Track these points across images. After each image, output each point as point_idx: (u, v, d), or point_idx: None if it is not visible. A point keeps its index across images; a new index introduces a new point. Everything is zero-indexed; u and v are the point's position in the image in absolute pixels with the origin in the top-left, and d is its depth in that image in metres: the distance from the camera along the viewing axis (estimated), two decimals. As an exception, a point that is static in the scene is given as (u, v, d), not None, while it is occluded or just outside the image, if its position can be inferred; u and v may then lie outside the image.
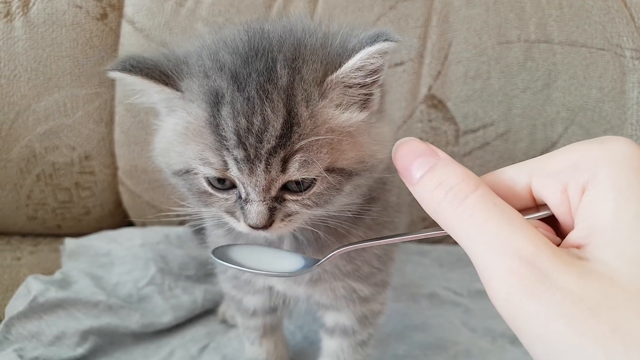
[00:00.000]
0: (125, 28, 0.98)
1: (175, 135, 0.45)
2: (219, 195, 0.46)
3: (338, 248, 0.42)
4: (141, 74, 0.44)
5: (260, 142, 0.41)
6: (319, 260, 0.43)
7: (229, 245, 0.45)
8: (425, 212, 0.34)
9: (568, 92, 0.96)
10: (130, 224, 1.07)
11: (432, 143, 1.04)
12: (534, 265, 0.29)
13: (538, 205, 0.35)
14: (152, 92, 0.46)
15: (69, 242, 0.93)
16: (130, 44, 0.97)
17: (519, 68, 0.96)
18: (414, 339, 0.80)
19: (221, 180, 0.45)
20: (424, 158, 0.35)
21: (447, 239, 1.05)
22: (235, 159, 0.42)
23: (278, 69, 0.42)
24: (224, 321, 0.84)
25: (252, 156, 0.41)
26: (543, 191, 0.34)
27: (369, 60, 0.43)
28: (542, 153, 0.97)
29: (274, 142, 0.41)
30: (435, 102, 0.97)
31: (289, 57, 0.43)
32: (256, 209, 0.43)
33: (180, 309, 0.82)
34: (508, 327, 0.88)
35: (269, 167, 0.42)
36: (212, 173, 0.44)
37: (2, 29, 0.95)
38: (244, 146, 0.41)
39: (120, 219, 1.08)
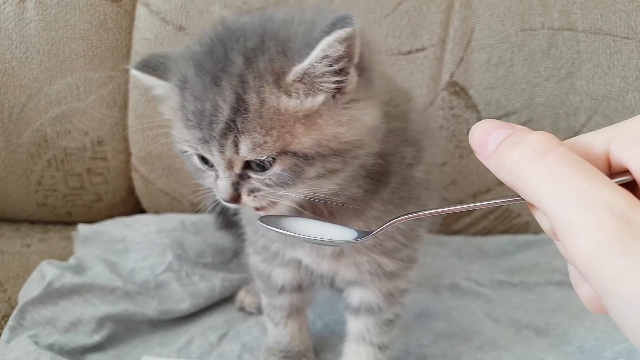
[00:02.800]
0: (141, 10, 0.96)
1: (170, 119, 0.52)
2: (207, 172, 0.51)
3: (395, 218, 0.40)
4: (146, 71, 0.51)
5: (211, 125, 0.45)
6: (371, 232, 0.41)
7: (277, 216, 0.45)
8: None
9: (592, 80, 0.95)
10: (142, 211, 1.05)
11: (453, 131, 1.03)
12: (627, 219, 0.27)
13: (613, 174, 0.33)
14: (158, 87, 0.52)
15: (82, 228, 0.91)
16: (145, 27, 0.95)
17: (543, 56, 0.94)
18: (437, 329, 0.79)
19: (205, 159, 0.49)
20: (500, 130, 0.33)
21: (465, 230, 1.03)
22: (198, 139, 0.46)
23: (232, 58, 0.45)
24: (242, 309, 0.82)
25: (207, 137, 0.46)
26: (624, 155, 0.32)
27: (330, 50, 0.43)
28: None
29: (222, 125, 0.44)
30: (457, 89, 0.95)
31: (248, 47, 0.45)
32: (221, 184, 0.48)
33: (198, 296, 0.80)
34: (532, 318, 0.86)
35: (222, 147, 0.46)
36: (191, 151, 0.49)
37: (15, 10, 0.92)
38: (200, 127, 0.46)
39: (132, 207, 1.05)
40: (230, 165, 0.47)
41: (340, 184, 0.50)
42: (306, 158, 0.46)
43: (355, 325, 0.66)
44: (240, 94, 0.44)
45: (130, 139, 0.99)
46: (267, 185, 0.47)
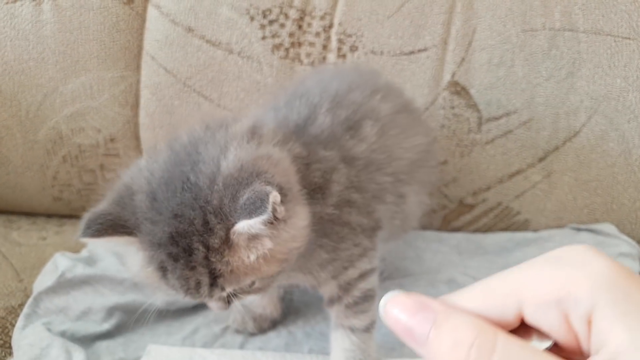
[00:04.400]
0: (151, 12, 0.99)
1: (140, 275, 0.57)
2: None
3: None
4: (108, 233, 0.53)
5: (199, 293, 0.54)
6: None
7: None
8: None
9: (592, 81, 0.96)
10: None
11: (454, 130, 1.06)
12: None
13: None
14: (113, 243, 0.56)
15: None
16: (156, 28, 0.99)
17: (543, 56, 0.96)
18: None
19: None
20: (421, 314, 0.33)
21: (466, 227, 1.05)
22: (189, 299, 0.56)
23: (194, 247, 0.52)
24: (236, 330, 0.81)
25: (197, 298, 0.55)
26: (542, 322, 0.33)
27: (253, 227, 0.51)
28: (565, 142, 0.98)
29: (207, 289, 0.54)
30: (459, 89, 0.97)
31: (201, 232, 0.51)
32: (215, 306, 0.59)
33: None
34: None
35: (211, 298, 0.56)
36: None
37: (32, 12, 0.97)
38: (190, 294, 0.54)
39: (143, 202, 1.09)
40: (218, 299, 0.57)
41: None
42: (278, 272, 0.57)
43: (331, 315, 0.70)
44: (213, 267, 0.52)
45: (142, 137, 1.03)
46: (249, 294, 0.59)
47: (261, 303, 0.79)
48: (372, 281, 0.69)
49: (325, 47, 0.98)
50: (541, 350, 0.31)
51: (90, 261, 0.84)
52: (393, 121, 0.72)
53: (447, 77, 0.97)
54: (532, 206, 1.02)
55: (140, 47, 1.00)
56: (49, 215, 1.09)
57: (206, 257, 0.52)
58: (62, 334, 0.72)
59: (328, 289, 0.68)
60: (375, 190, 0.68)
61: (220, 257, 0.52)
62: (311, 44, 0.98)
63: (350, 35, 0.97)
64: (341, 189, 0.63)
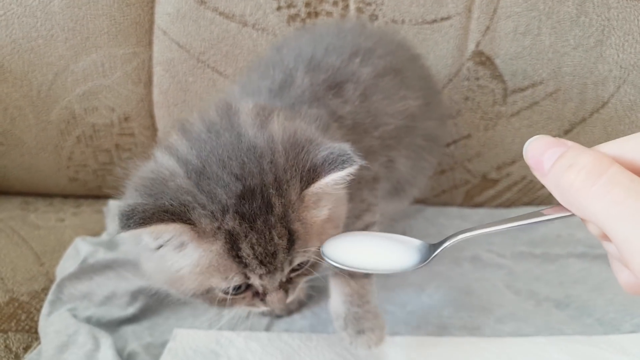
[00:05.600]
0: (161, -16, 0.95)
1: (195, 271, 0.51)
2: (237, 297, 0.55)
3: (454, 235, 0.43)
4: (154, 221, 0.46)
5: (275, 259, 0.51)
6: (434, 246, 0.44)
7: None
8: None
9: (622, 49, 0.92)
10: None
11: (478, 102, 1.02)
12: None
13: None
14: (155, 236, 0.50)
15: (113, 204, 0.94)
16: (167, 0, 0.95)
17: (571, 23, 0.91)
18: (458, 301, 0.80)
19: (237, 287, 0.53)
20: (553, 148, 0.35)
21: (489, 202, 1.04)
22: (259, 275, 0.52)
23: (273, 202, 0.49)
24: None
25: (271, 270, 0.51)
26: None
27: (343, 179, 0.50)
28: (592, 114, 0.95)
29: (284, 255, 0.51)
30: (483, 59, 0.94)
31: (275, 187, 0.50)
32: (276, 297, 0.55)
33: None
34: (552, 291, 0.87)
35: (283, 271, 0.53)
36: (233, 287, 0.53)
37: (38, -13, 0.93)
38: (264, 265, 0.51)
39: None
40: (281, 279, 0.54)
41: None
42: None
43: None
44: (290, 228, 0.50)
45: (156, 115, 1.00)
46: (305, 275, 0.57)
47: None
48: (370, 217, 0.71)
49: (343, 16, 0.94)
50: None
51: (111, 245, 0.83)
52: (375, 85, 0.70)
53: (471, 47, 0.94)
54: (557, 179, 1.00)
55: (151, 22, 0.97)
56: (65, 196, 1.08)
57: (285, 213, 0.50)
58: (88, 320, 0.72)
59: None
60: (366, 150, 0.67)
61: (298, 215, 0.51)
62: (328, 14, 0.94)
63: (369, 4, 0.93)
64: None
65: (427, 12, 0.93)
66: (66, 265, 0.79)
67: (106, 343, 0.67)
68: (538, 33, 0.92)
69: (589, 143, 1.09)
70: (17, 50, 0.95)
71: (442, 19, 0.93)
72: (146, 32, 0.97)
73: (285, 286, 0.55)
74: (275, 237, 0.50)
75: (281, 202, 0.50)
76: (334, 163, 0.49)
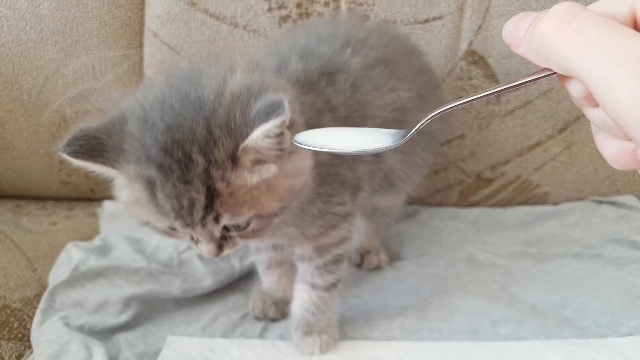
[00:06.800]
0: (151, -14, 0.94)
1: (129, 203, 0.55)
2: (180, 233, 0.55)
3: (433, 111, 0.40)
4: (85, 157, 0.51)
5: (192, 215, 0.50)
6: (407, 131, 0.42)
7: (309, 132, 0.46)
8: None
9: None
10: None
11: (472, 102, 1.01)
12: None
13: None
14: (101, 172, 0.54)
15: (108, 205, 0.93)
16: (156, 2, 0.94)
17: (565, 21, 0.91)
18: (453, 304, 0.80)
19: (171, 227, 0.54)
20: (528, 17, 0.34)
21: (483, 202, 1.03)
22: (179, 225, 0.52)
23: (194, 158, 0.49)
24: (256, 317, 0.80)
25: (189, 223, 0.51)
26: None
27: (270, 131, 0.48)
28: (586, 111, 0.94)
29: (202, 212, 0.50)
30: (476, 59, 0.93)
31: (202, 143, 0.49)
32: (205, 248, 0.55)
33: (220, 273, 0.82)
34: (548, 293, 0.86)
35: (204, 226, 0.52)
36: (165, 228, 0.55)
37: (26, -10, 0.92)
38: (181, 217, 0.51)
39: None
40: (211, 234, 0.54)
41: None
42: (275, 214, 0.55)
43: (299, 269, 0.73)
44: (210, 185, 0.50)
45: (148, 117, 0.99)
46: (245, 238, 0.56)
47: (280, 287, 0.79)
48: (345, 248, 0.72)
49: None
50: (622, 25, 0.30)
51: (103, 250, 0.83)
52: (365, 76, 0.69)
53: (464, 46, 0.93)
54: (551, 178, 1.00)
55: (141, 24, 0.96)
56: (58, 199, 1.07)
57: (206, 171, 0.49)
58: (80, 328, 0.71)
59: (304, 250, 0.71)
60: None
61: (222, 174, 0.49)
62: (320, 15, 0.94)
63: (360, 4, 0.92)
64: None
65: (419, 12, 0.92)
66: (58, 272, 0.78)
67: (99, 352, 0.67)
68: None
69: (584, 142, 1.09)
70: (6, 54, 0.94)
71: (434, 19, 0.92)
72: (136, 35, 0.96)
73: (219, 242, 0.55)
74: (192, 193, 0.49)
75: (204, 159, 0.49)
76: (262, 115, 0.48)
